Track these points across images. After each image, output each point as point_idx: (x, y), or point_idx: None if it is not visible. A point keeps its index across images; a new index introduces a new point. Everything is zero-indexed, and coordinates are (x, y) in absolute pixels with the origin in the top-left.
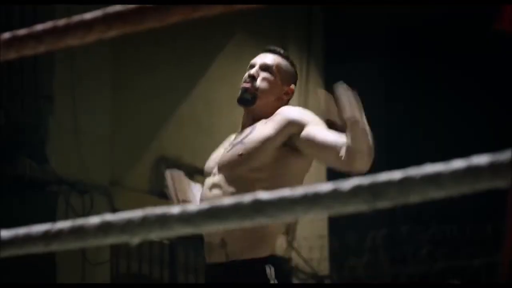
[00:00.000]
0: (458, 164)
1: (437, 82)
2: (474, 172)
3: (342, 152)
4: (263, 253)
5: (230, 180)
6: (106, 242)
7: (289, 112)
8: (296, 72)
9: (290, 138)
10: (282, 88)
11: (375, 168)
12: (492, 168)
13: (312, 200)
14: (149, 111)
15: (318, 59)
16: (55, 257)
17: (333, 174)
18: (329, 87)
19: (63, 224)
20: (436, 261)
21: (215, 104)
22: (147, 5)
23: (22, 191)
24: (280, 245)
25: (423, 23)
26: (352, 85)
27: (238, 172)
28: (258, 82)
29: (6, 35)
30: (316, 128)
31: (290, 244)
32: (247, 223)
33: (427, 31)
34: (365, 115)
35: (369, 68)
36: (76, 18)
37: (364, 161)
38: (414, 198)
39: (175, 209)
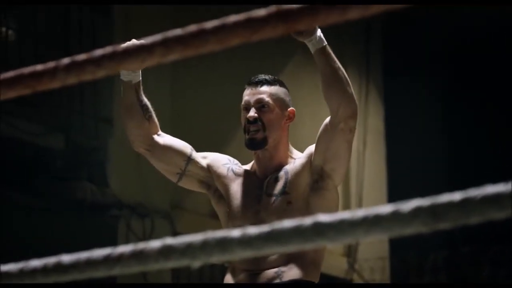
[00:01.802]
0: None
1: (498, 96)
2: None
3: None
4: (313, 278)
5: None
6: (167, 266)
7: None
8: (287, 89)
9: (314, 165)
10: (283, 115)
11: (435, 187)
12: None
13: (373, 222)
14: (210, 133)
15: (377, 76)
16: (116, 280)
17: (394, 196)
18: (388, 103)
19: (124, 248)
20: (497, 282)
21: None
22: (207, 28)
23: (83, 215)
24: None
25: (482, 36)
26: (411, 100)
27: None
28: (262, 122)
29: (66, 60)
30: None
31: (351, 266)
32: (308, 246)
33: (487, 44)
34: (424, 129)
35: (428, 82)
36: (136, 42)
37: (343, 87)
38: (475, 219)
39: (235, 233)
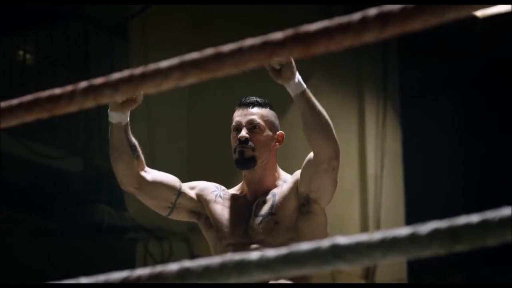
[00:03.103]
0: None
1: None
2: None
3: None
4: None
5: (267, 247)
6: None
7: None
8: (276, 113)
9: (300, 191)
10: (273, 138)
11: (453, 210)
12: None
13: (390, 245)
14: (225, 157)
15: (394, 98)
16: None
17: (411, 218)
18: (406, 126)
19: (142, 271)
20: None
21: (291, 148)
22: (223, 51)
23: (100, 238)
24: None
25: (501, 57)
26: (428, 122)
27: (274, 239)
28: (253, 143)
29: (83, 84)
30: None
31: None
32: (326, 268)
33: (506, 65)
34: (442, 152)
35: (446, 105)
36: (152, 66)
37: (325, 134)
38: (493, 241)
39: (253, 255)
